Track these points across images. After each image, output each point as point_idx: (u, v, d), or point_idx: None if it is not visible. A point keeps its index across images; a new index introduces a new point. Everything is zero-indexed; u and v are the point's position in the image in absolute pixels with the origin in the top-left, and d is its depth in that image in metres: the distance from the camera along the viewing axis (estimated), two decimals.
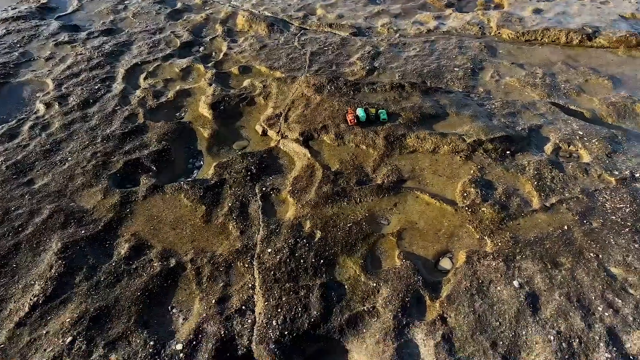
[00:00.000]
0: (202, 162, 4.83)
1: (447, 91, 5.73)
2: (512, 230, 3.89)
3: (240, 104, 5.52)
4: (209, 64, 6.44)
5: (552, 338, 3.07)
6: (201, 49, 6.96)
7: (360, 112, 4.96)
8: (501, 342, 3.07)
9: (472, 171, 4.49)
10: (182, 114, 5.47)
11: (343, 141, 4.84)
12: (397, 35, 7.10)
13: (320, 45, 6.86)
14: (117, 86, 5.91)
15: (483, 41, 6.98)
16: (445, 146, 4.75)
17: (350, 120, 4.91)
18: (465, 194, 4.23)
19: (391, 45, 6.91)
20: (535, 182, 4.33)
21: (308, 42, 7.01)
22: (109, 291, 3.42)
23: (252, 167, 4.54)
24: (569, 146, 4.87)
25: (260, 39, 7.14)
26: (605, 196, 4.20)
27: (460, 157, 4.65)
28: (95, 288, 3.44)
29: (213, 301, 3.35)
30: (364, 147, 4.78)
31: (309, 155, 4.69)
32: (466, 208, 4.09)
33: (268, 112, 5.39)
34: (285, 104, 5.43)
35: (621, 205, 4.08)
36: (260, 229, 3.92)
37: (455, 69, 6.35)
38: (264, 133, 5.14)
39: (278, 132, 5.04)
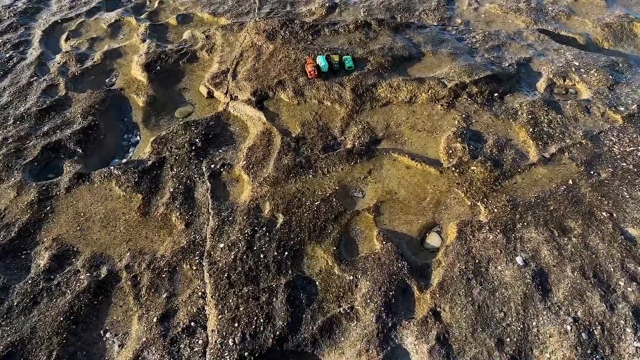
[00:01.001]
0: (138, 137, 4.01)
1: (420, 26, 4.91)
2: (508, 192, 3.26)
3: (181, 62, 4.65)
4: (142, 16, 5.46)
5: (568, 328, 2.51)
6: None
7: (321, 60, 4.16)
8: (508, 339, 2.50)
9: (456, 122, 3.79)
10: (113, 80, 4.59)
11: (303, 98, 4.07)
12: None
13: None
14: (33, 52, 4.95)
15: None
16: (423, 94, 4.01)
17: (310, 72, 4.11)
18: (450, 151, 3.55)
19: None
20: (531, 129, 3.67)
21: None
22: (23, 319, 2.73)
23: (197, 140, 3.77)
24: (564, 81, 4.18)
25: None
26: (612, 138, 3.58)
27: (442, 105, 3.93)
28: (6, 317, 2.74)
29: (155, 319, 2.69)
30: (329, 103, 4.02)
31: (264, 119, 3.92)
32: (453, 168, 3.43)
33: (213, 68, 4.54)
34: (233, 57, 4.57)
35: (631, 148, 3.47)
36: (210, 218, 3.22)
37: None
38: (210, 95, 4.31)
39: (226, 93, 4.22)
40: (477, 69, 4.15)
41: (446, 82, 4.05)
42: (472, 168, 3.43)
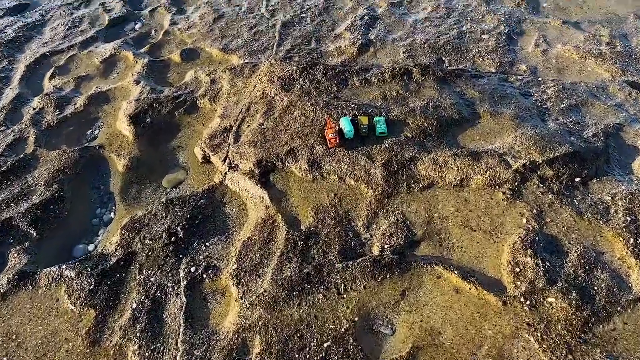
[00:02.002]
0: (113, 214, 3.14)
1: (475, 75, 3.89)
2: (605, 345, 2.20)
3: (177, 112, 3.78)
4: (142, 50, 4.63)
5: None
6: (137, 26, 5.15)
7: (345, 123, 3.20)
8: None
9: (524, 220, 2.76)
10: (96, 132, 3.77)
11: (320, 173, 3.12)
12: None
13: (295, 12, 4.99)
14: (9, 93, 4.18)
15: None
16: (478, 175, 2.99)
17: (330, 140, 3.16)
18: (516, 269, 2.52)
19: (392, 4, 4.99)
20: (631, 239, 2.59)
21: (280, 7, 5.11)
22: None
23: (179, 228, 2.87)
24: None
25: (216, 5, 5.25)
26: None
27: (504, 193, 2.90)
28: None
29: None
30: (353, 182, 3.06)
31: (268, 200, 2.99)
32: (521, 298, 2.39)
33: (214, 124, 3.65)
34: (239, 110, 3.66)
35: None
36: (178, 358, 2.28)
37: (483, 36, 4.47)
38: (206, 159, 3.41)
39: (225, 160, 3.31)
40: (551, 141, 3.10)
41: (510, 161, 3.01)
42: (549, 300, 2.39)
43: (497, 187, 3.01)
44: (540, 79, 3.92)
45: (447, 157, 3.13)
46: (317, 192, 3.10)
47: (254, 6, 5.17)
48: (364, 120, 3.35)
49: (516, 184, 3.01)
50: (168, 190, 3.38)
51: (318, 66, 3.95)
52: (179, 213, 3.05)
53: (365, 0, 5.11)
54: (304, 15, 4.91)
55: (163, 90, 4.07)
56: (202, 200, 3.12)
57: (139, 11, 5.38)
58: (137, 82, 4.18)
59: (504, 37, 4.43)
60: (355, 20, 4.75)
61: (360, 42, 4.43)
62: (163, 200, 3.15)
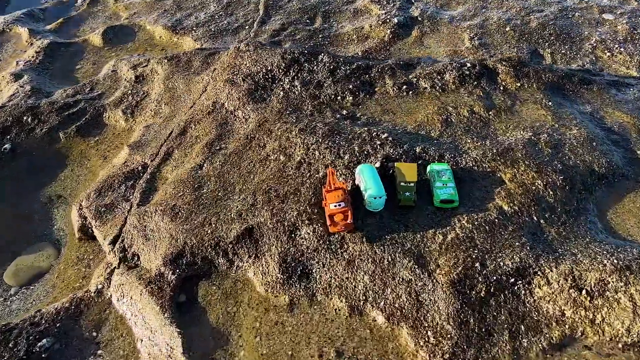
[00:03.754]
0: None
1: (614, 82, 2.00)
2: None
3: (63, 132, 1.99)
4: (49, 26, 2.88)
5: None
6: None
7: (367, 178, 1.45)
8: None
9: None
10: None
11: (308, 293, 1.30)
12: None
13: None
14: None
15: None
16: None
17: (334, 217, 1.32)
18: None
19: None
20: None
21: None
22: None
23: None
24: None
25: None
26: None
27: None
28: None
29: None
30: (381, 319, 1.21)
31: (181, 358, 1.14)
32: None
33: (117, 160, 1.82)
34: (166, 135, 1.84)
35: None
36: None
37: (603, 15, 2.64)
38: (86, 232, 1.57)
39: (114, 242, 1.47)
40: None
41: None
42: None
43: None
44: None
45: (606, 273, 1.26)
46: (299, 340, 1.26)
47: None
48: (408, 171, 1.51)
49: None
50: (11, 292, 1.61)
51: (321, 57, 2.12)
52: None
53: None
54: None
55: (53, 93, 2.29)
56: (47, 342, 1.31)
57: None
58: (18, 76, 2.41)
59: None
60: None
61: (395, 20, 2.59)
62: None
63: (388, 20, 2.74)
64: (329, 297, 1.45)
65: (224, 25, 2.88)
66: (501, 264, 1.42)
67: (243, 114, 2.00)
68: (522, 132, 1.84)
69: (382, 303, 1.40)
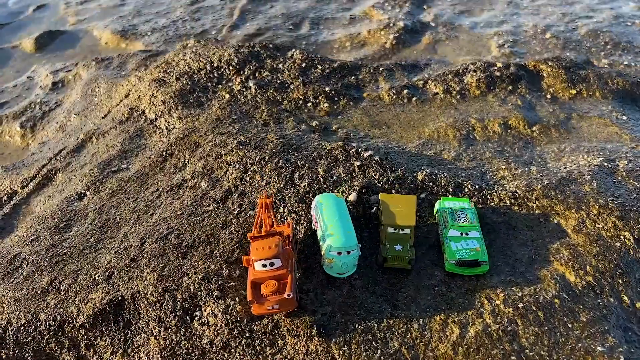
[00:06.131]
0: None
1: None
2: None
3: None
4: None
5: None
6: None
7: (334, 230, 0.61)
8: None
9: None
10: None
11: None
12: None
13: None
14: None
15: None
16: None
17: (263, 291, 0.57)
18: None
19: None
20: None
21: None
22: None
23: None
24: None
25: None
26: None
27: None
28: None
29: None
30: None
31: None
32: None
33: None
34: (49, 156, 1.17)
35: None
36: None
37: None
38: None
39: None
40: None
41: None
42: None
43: None
44: None
45: None
46: None
47: None
48: (400, 208, 0.81)
49: None
50: None
51: (290, 53, 1.49)
52: None
53: None
54: None
55: None
56: None
57: None
58: None
59: None
60: None
61: (402, 24, 1.98)
62: None
63: (392, 25, 2.13)
64: None
65: (185, 30, 2.31)
66: None
67: (166, 123, 1.37)
68: (585, 156, 1.16)
69: None
